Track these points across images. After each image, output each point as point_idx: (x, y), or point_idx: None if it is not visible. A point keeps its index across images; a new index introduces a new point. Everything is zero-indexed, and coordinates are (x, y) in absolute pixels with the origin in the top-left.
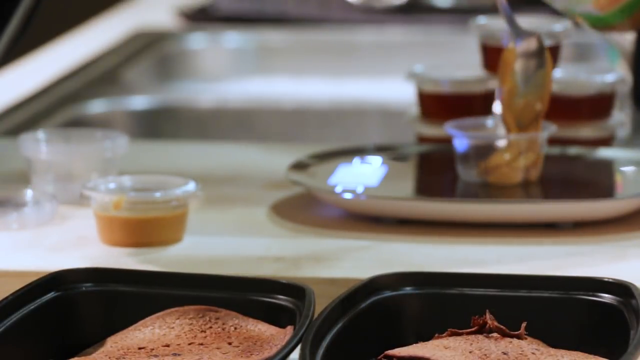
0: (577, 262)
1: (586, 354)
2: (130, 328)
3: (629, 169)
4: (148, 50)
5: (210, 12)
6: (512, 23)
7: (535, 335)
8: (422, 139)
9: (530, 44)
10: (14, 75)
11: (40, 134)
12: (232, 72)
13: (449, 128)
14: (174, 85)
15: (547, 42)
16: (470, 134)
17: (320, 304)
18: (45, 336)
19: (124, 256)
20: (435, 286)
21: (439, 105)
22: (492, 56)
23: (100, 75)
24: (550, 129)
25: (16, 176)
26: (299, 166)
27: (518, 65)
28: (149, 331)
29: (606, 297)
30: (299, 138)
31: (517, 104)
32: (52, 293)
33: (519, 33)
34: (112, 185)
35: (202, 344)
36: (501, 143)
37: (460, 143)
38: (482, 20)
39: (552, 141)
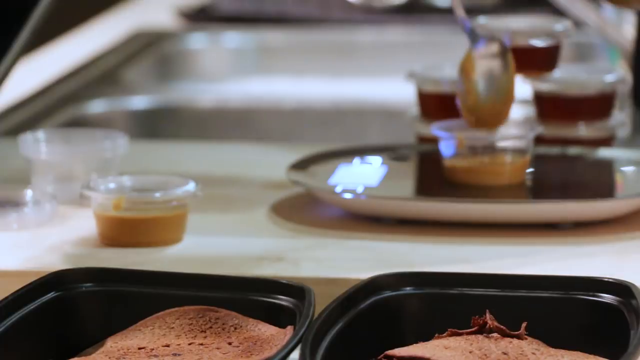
0: (577, 262)
1: (586, 354)
2: (130, 328)
3: (629, 169)
4: (148, 50)
5: (210, 12)
6: (469, 29)
7: (535, 335)
8: (422, 139)
9: (492, 48)
10: (14, 75)
11: (40, 134)
12: (232, 72)
13: (435, 130)
14: (174, 85)
15: (547, 42)
16: (457, 135)
17: (320, 304)
18: (45, 336)
19: (124, 256)
20: (435, 286)
21: (439, 105)
22: None
23: (100, 75)
24: (536, 130)
25: (16, 176)
26: (299, 166)
27: (478, 69)
28: (149, 331)
29: (606, 297)
30: (299, 138)
31: (478, 107)
32: (52, 293)
33: (475, 37)
34: (112, 185)
35: (202, 344)
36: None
37: (447, 144)
38: (482, 20)
39: (552, 141)
